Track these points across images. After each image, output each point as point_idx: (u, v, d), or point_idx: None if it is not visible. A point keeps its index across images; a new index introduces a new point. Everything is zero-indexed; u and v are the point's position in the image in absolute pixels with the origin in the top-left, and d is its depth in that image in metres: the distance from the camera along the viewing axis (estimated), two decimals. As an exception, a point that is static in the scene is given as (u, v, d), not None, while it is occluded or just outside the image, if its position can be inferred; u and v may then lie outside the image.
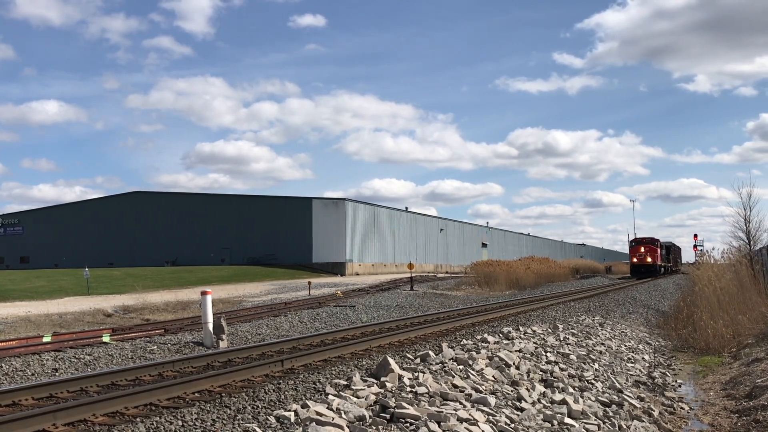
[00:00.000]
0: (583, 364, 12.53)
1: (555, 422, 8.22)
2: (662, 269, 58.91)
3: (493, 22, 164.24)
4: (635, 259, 56.62)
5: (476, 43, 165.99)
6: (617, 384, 11.64)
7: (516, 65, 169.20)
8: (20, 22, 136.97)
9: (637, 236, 59.68)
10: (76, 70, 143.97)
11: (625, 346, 16.55)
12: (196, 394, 8.31)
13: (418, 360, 10.68)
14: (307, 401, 7.53)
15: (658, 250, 56.93)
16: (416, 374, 9.05)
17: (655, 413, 10.32)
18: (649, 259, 55.54)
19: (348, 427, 6.64)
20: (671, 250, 67.20)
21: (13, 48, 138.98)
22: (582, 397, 9.88)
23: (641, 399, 11.23)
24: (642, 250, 56.06)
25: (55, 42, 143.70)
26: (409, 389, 8.28)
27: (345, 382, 8.68)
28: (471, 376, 9.57)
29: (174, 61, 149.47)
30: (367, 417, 7.06)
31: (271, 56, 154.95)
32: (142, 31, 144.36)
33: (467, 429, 7.16)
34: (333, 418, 6.80)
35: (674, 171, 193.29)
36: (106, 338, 14.20)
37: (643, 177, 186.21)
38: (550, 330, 15.59)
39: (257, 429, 6.56)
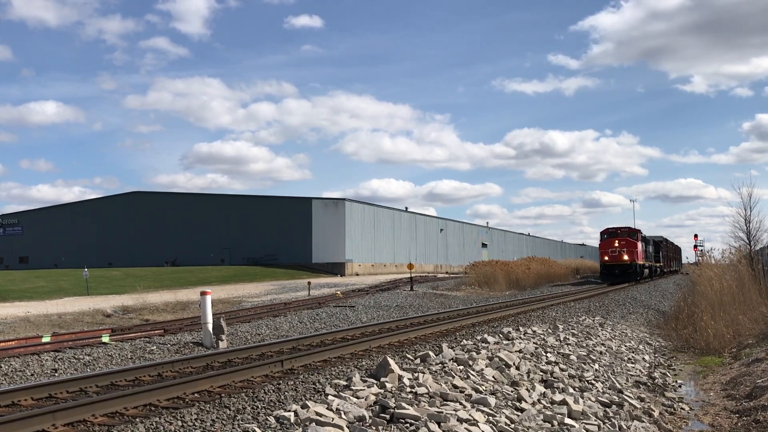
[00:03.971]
0: (583, 365, 12.51)
1: (555, 422, 8.21)
2: (646, 270, 44.80)
3: (489, 23, 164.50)
4: (607, 257, 41.54)
5: (472, 44, 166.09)
6: (617, 384, 11.63)
7: (512, 66, 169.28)
8: (17, 23, 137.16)
9: (610, 227, 43.14)
10: (74, 71, 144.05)
11: (626, 346, 16.54)
12: (196, 395, 8.30)
13: (418, 360, 10.66)
14: (306, 402, 7.52)
15: (639, 244, 42.35)
16: (416, 375, 9.03)
17: (656, 413, 10.31)
18: (625, 257, 40.99)
19: (348, 427, 6.63)
20: (661, 247, 54.15)
21: (11, 49, 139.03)
22: (582, 398, 9.87)
23: (641, 399, 11.23)
24: (616, 244, 41.24)
25: (53, 43, 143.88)
26: (409, 390, 8.27)
27: (345, 383, 8.67)
28: (471, 377, 9.55)
29: (171, 62, 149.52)
30: (367, 417, 7.04)
31: (268, 57, 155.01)
32: (138, 33, 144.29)
33: (467, 429, 7.15)
34: (333, 419, 6.79)
35: (672, 171, 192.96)
36: (105, 338, 14.18)
37: (641, 177, 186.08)
38: (550, 330, 15.57)
39: (257, 429, 6.54)
